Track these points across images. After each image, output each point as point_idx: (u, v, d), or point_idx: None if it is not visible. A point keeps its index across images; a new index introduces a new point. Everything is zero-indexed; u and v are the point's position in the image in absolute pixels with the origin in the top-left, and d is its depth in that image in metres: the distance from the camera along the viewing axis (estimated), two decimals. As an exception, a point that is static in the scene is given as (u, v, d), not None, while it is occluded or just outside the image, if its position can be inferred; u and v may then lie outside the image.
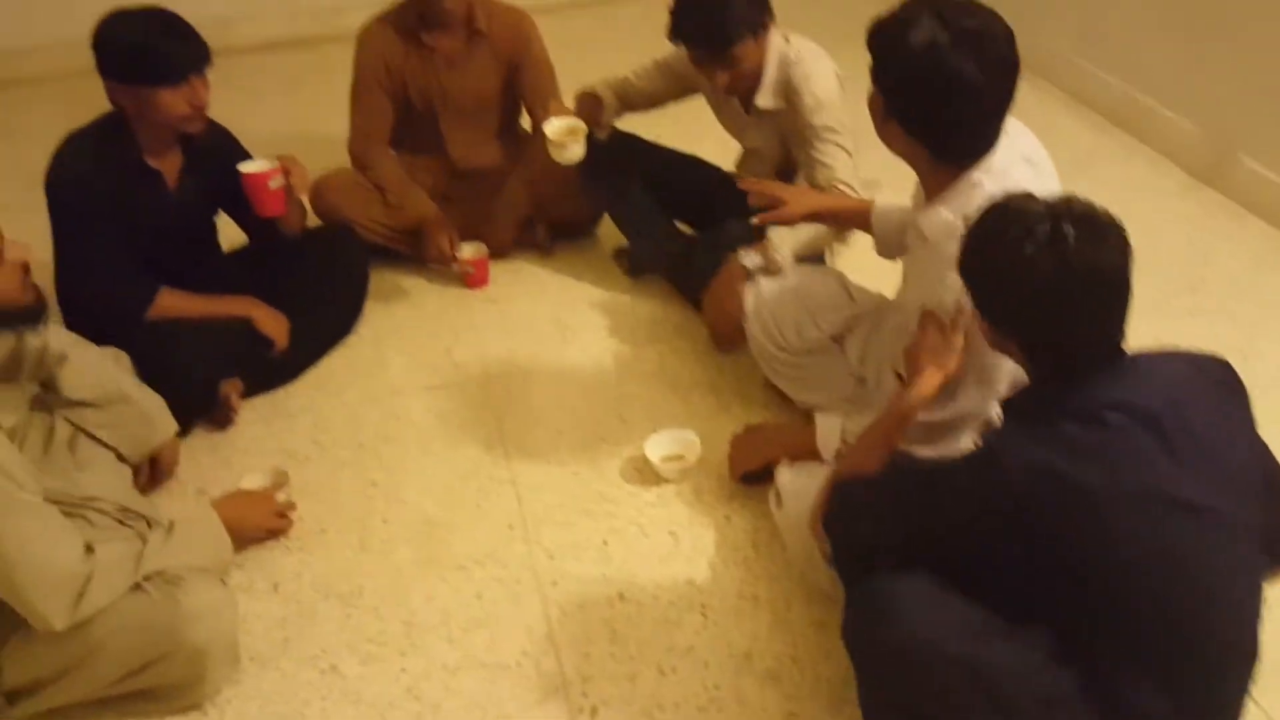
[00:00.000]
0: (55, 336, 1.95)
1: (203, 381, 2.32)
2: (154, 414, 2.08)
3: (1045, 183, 1.67)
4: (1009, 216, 1.34)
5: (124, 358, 2.16)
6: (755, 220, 2.08)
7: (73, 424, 1.98)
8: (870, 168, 2.37)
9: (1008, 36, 1.54)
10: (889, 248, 2.01)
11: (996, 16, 1.55)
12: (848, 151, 2.28)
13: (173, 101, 2.16)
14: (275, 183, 2.31)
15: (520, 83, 2.87)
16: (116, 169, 2.21)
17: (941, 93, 1.53)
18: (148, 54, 2.11)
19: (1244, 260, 2.69)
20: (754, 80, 2.33)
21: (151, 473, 2.17)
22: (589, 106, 2.58)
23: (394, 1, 2.81)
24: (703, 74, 2.33)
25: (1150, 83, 3.15)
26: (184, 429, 2.31)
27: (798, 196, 2.06)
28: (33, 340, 1.90)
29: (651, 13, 4.40)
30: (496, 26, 2.80)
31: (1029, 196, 1.36)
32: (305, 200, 2.61)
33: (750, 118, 2.45)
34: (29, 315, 1.80)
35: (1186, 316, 2.52)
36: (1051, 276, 1.28)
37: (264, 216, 2.36)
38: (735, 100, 2.45)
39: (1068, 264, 1.27)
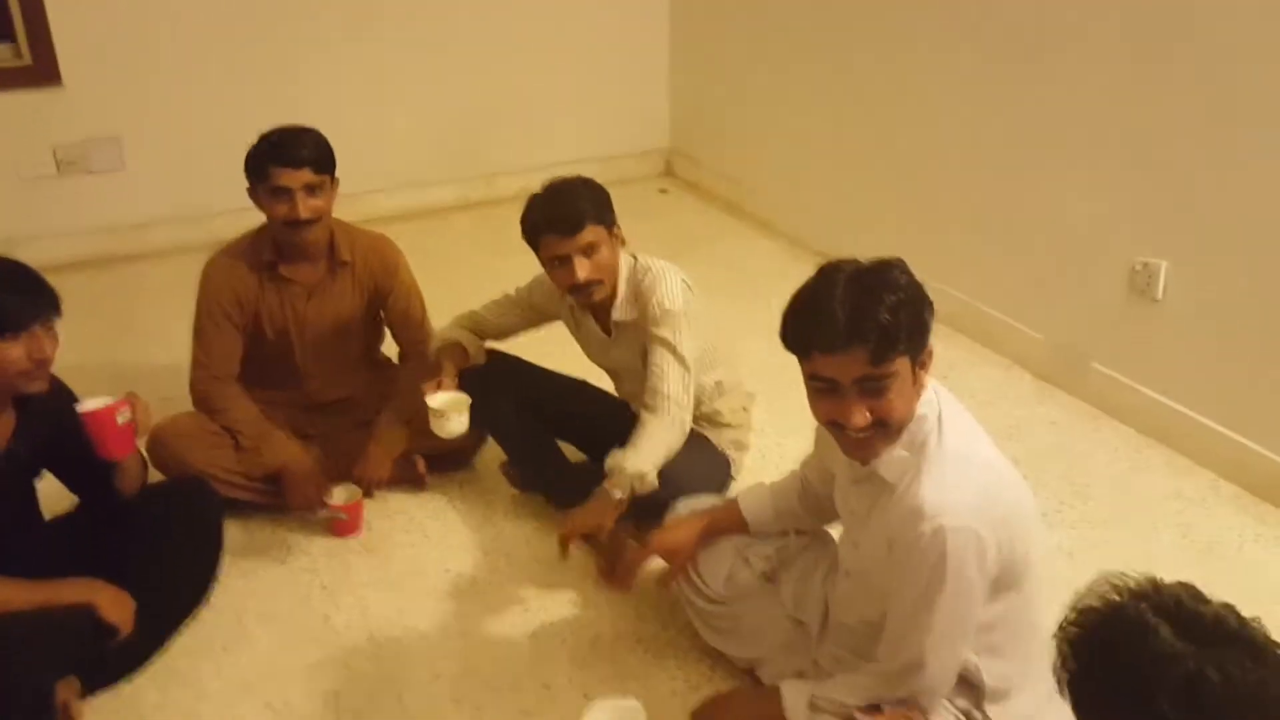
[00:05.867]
0: None
1: (34, 691, 1.88)
2: None
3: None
4: (1145, 658, 1.07)
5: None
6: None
7: None
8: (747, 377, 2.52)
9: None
10: (764, 527, 2.08)
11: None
12: (682, 364, 2.27)
13: (10, 354, 1.85)
14: (123, 416, 2.02)
15: (388, 310, 2.70)
16: None
17: None
18: None
19: (1121, 465, 2.78)
20: (609, 296, 2.34)
21: None
22: (458, 358, 2.50)
23: (241, 236, 2.61)
24: (560, 276, 2.29)
25: (995, 297, 3.33)
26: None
27: (680, 540, 2.08)
28: None
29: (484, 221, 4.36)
30: (360, 255, 2.64)
31: (1163, 618, 1.09)
32: (143, 448, 2.29)
33: (610, 339, 2.43)
34: None
35: (1086, 527, 2.56)
36: None
37: (111, 459, 2.05)
38: (593, 323, 2.44)
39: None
